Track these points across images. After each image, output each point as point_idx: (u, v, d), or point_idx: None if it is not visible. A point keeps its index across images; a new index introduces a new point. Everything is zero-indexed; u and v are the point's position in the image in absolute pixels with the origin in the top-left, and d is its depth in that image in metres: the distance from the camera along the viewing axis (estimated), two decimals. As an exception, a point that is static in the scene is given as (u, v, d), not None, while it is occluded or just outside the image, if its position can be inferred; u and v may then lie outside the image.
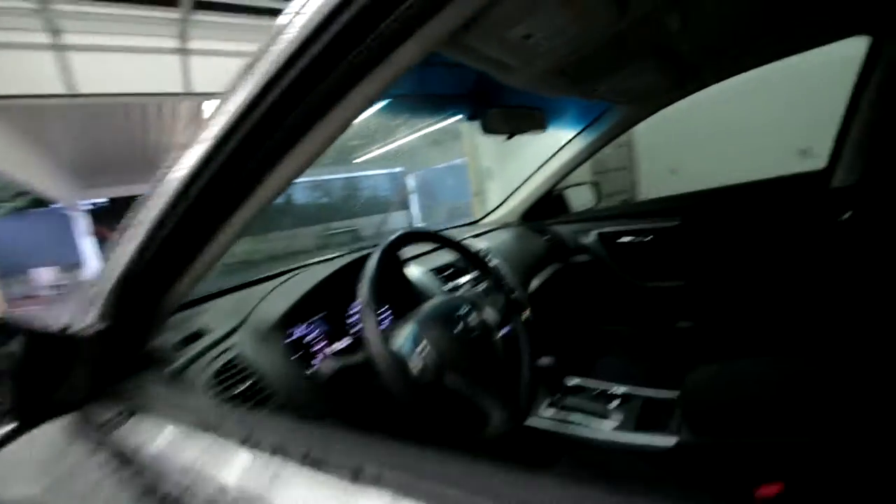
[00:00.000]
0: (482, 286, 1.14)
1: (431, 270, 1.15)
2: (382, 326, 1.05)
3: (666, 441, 0.96)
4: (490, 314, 0.86)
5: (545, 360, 1.17)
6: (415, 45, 0.42)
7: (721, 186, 1.63)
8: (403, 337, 0.72)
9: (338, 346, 0.92)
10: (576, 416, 1.11)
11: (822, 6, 0.95)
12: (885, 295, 0.91)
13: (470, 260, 1.01)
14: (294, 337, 0.85)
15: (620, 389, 1.18)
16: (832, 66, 1.59)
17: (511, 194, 1.88)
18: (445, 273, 1.17)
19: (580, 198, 1.95)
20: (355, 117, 0.48)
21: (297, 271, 1.08)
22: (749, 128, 2.92)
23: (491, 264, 1.31)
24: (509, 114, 1.14)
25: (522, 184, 1.84)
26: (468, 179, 4.15)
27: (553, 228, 1.79)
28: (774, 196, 1.46)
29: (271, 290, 0.92)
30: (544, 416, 1.14)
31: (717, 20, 0.97)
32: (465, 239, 1.50)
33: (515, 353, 0.92)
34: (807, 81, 2.44)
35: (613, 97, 1.46)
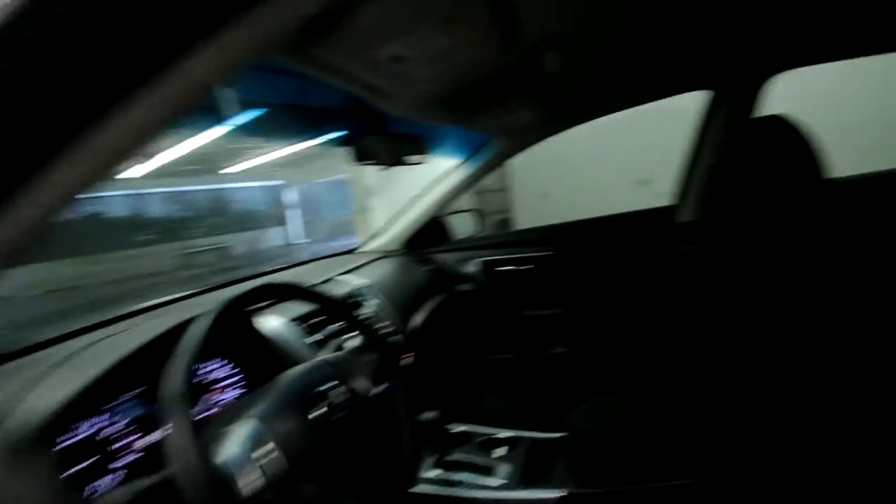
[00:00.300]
0: (355, 338, 0.99)
1: (294, 320, 0.96)
2: (227, 398, 0.84)
3: (553, 494, 0.93)
4: (361, 383, 0.72)
5: (428, 415, 1.06)
6: (214, 56, 0.29)
7: (590, 218, 1.74)
8: (238, 442, 0.54)
9: (153, 438, 0.69)
10: (461, 475, 1.02)
11: (677, 64, 1.06)
12: (733, 326, 0.98)
13: (337, 313, 0.86)
14: (79, 437, 0.60)
15: (506, 434, 1.13)
16: (665, 111, 1.83)
17: (394, 220, 1.78)
18: (311, 321, 0.99)
19: (463, 224, 1.93)
20: (140, 142, 0.37)
21: (103, 330, 0.81)
22: (601, 159, 3.33)
23: (365, 310, 1.17)
24: (385, 141, 1.03)
25: (406, 209, 1.75)
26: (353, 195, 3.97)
27: (436, 257, 1.73)
28: (633, 228, 1.59)
29: (49, 368, 0.65)
30: (428, 478, 1.03)
31: (591, 65, 1.00)
32: (344, 272, 1.35)
33: (393, 421, 0.79)
34: (643, 119, 2.82)
35: (495, 130, 1.47)
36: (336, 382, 0.68)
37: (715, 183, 1.07)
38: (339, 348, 0.95)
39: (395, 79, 0.72)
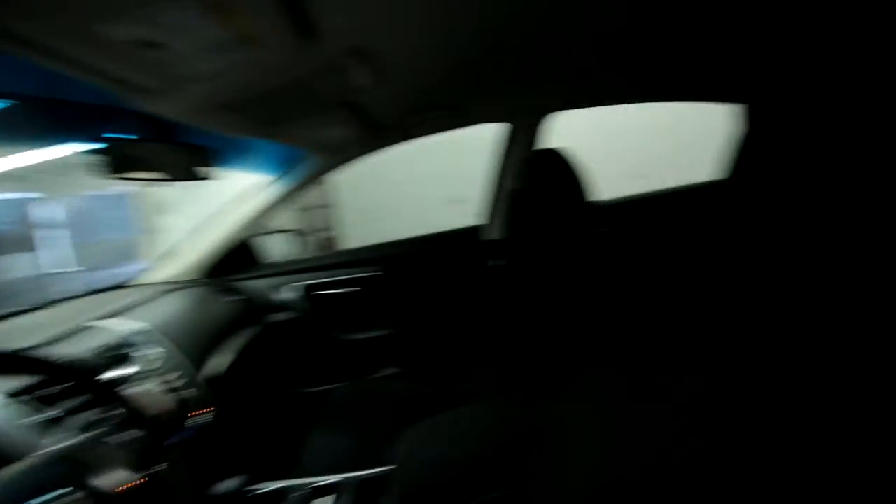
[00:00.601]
0: (112, 408, 0.74)
1: (12, 395, 0.67)
2: None
3: None
4: (113, 476, 0.53)
5: (229, 484, 0.88)
6: None
7: (413, 237, 1.76)
8: None
9: None
10: None
11: (479, 96, 1.14)
12: (536, 334, 1.06)
13: (78, 383, 0.63)
14: None
15: (331, 479, 1.01)
16: (469, 138, 2.02)
17: (191, 242, 1.48)
18: (41, 392, 0.71)
19: (279, 246, 1.74)
20: None
21: None
22: (421, 178, 3.53)
23: (138, 365, 0.91)
24: (152, 151, 0.81)
25: (207, 229, 1.48)
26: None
27: (245, 285, 1.51)
28: (451, 245, 1.67)
29: None
30: None
31: (401, 87, 0.99)
32: (111, 314, 1.04)
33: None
34: (454, 144, 3.10)
35: (309, 144, 1.36)
36: (69, 489, 0.48)
37: (513, 205, 1.19)
38: (89, 426, 0.70)
39: (151, 72, 0.56)
